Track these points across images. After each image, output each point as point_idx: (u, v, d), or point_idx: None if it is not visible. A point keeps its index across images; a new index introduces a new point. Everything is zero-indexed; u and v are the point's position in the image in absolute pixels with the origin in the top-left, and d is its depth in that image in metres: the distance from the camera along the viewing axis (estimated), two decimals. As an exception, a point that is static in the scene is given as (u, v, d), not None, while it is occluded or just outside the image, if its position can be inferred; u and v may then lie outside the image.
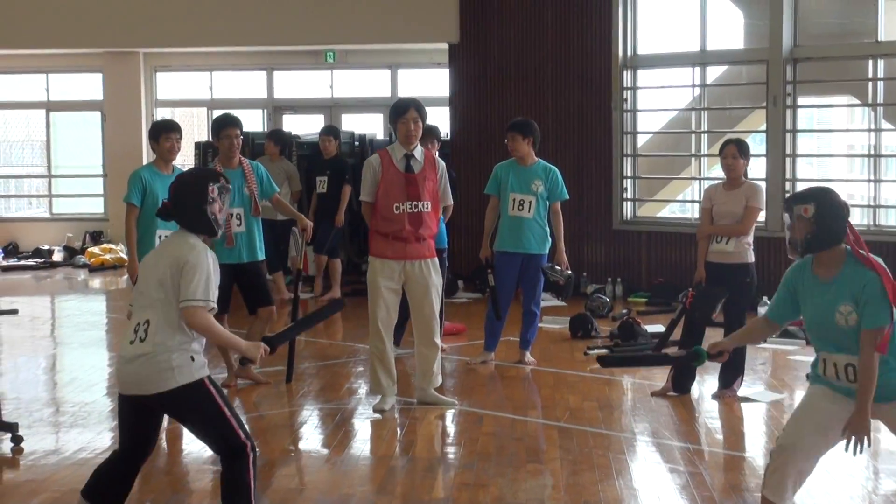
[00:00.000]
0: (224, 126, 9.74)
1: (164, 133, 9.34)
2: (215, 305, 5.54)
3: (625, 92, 15.55)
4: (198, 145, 18.25)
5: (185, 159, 20.16)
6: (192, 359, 5.49)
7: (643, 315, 13.39)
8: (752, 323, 6.31)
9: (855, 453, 5.38)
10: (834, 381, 5.52)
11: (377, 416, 8.89)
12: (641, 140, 16.12)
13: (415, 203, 8.87)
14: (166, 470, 7.60)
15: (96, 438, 8.22)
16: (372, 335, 9.06)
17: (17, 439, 7.91)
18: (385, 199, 8.86)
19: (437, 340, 9.17)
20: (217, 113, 11.03)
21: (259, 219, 9.78)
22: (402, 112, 8.88)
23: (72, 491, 6.88)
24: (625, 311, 12.79)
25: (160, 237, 9.19)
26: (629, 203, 15.72)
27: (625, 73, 15.54)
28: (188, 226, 5.65)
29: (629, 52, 15.56)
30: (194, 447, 8.13)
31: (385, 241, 8.91)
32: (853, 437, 5.36)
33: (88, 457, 7.72)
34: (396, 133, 8.99)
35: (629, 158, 15.69)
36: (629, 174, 15.69)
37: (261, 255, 9.80)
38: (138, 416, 5.61)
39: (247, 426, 5.66)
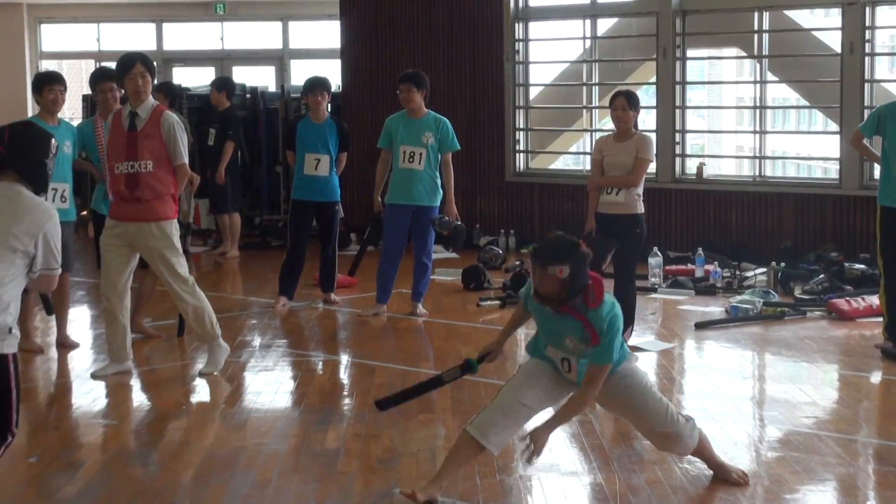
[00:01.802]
0: (99, 80, 9.59)
1: (47, 85, 9.21)
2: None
3: (517, 44, 15.57)
4: (85, 98, 17.96)
5: (73, 112, 19.87)
6: (10, 330, 5.19)
7: (535, 266, 13.46)
8: (515, 315, 6.36)
9: (529, 461, 5.78)
10: (557, 365, 5.89)
11: (269, 369, 8.87)
12: (534, 92, 16.17)
13: (131, 163, 8.36)
14: (55, 424, 7.51)
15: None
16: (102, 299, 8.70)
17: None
18: (109, 158, 8.51)
19: (189, 298, 8.61)
20: (105, 65, 10.84)
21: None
22: (129, 67, 8.38)
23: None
24: (517, 262, 12.86)
25: (49, 190, 9.05)
26: (522, 155, 15.78)
27: (517, 24, 15.56)
28: (27, 177, 5.32)
29: (521, 4, 15.58)
30: (84, 401, 8.06)
31: (113, 202, 8.54)
32: (532, 445, 5.68)
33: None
34: (126, 89, 8.52)
35: (521, 111, 15.74)
36: (522, 126, 15.74)
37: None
38: None
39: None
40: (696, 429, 6.08)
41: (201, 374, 8.65)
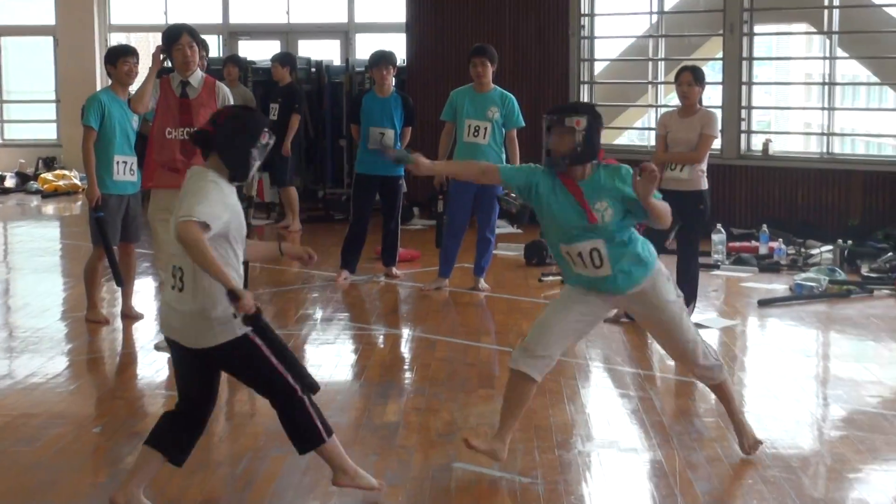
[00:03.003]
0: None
1: (122, 57, 9.29)
2: (211, 224, 4.99)
3: (582, 18, 15.49)
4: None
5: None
6: (235, 315, 5.08)
7: (599, 242, 13.42)
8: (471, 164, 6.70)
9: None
10: (582, 272, 5.91)
11: (330, 342, 8.91)
12: (599, 67, 16.08)
13: (187, 130, 8.28)
14: (119, 395, 7.59)
15: (48, 364, 8.19)
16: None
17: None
18: (159, 123, 8.47)
19: None
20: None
21: None
22: (176, 38, 8.38)
23: (22, 415, 6.92)
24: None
25: (118, 162, 9.17)
26: (586, 130, 15.66)
27: (582, -1, 15.48)
28: (227, 162, 5.26)
29: (587, -22, 15.50)
30: (147, 371, 8.15)
31: (161, 171, 8.43)
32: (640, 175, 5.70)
33: (39, 381, 7.71)
34: (172, 60, 8.49)
35: (586, 86, 15.67)
36: (586, 101, 15.64)
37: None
38: (183, 361, 5.33)
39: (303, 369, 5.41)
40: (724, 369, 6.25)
41: None
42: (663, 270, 6.05)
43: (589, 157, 5.81)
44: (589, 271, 5.87)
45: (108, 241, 9.16)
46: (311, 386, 5.39)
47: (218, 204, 5.08)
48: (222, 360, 5.24)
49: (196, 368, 5.29)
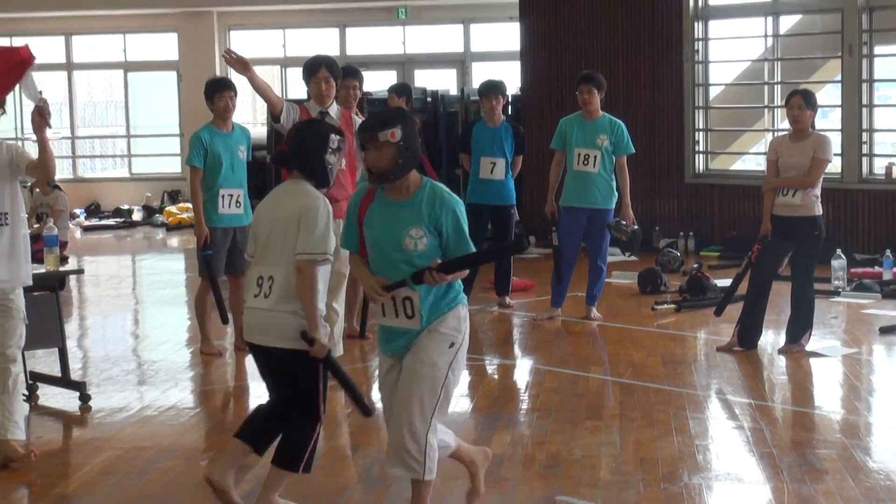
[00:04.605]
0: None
1: (218, 92, 9.42)
2: (330, 257, 5.54)
3: (696, 43, 15.35)
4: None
5: (256, 116, 20.36)
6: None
7: (715, 269, 13.26)
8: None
9: None
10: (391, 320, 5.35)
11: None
12: (713, 92, 15.92)
13: None
14: (229, 427, 7.65)
15: (161, 396, 8.32)
16: None
17: (84, 398, 8.03)
18: None
19: (337, 306, 8.70)
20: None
21: None
22: (314, 71, 8.61)
23: (134, 448, 7.03)
24: (696, 265, 12.65)
25: (223, 196, 9.30)
26: (701, 156, 15.55)
27: (696, 24, 15.34)
28: (306, 173, 5.69)
29: (700, 3, 15.36)
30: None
31: None
32: None
33: (153, 414, 7.84)
34: (310, 91, 8.75)
35: (701, 111, 15.52)
36: (701, 127, 15.52)
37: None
38: (264, 362, 5.72)
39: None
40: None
41: None
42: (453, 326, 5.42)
43: (412, 164, 5.30)
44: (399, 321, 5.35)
45: (214, 278, 9.27)
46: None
47: (329, 230, 5.52)
48: (281, 361, 5.55)
49: (268, 367, 5.69)
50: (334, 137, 5.69)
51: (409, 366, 5.29)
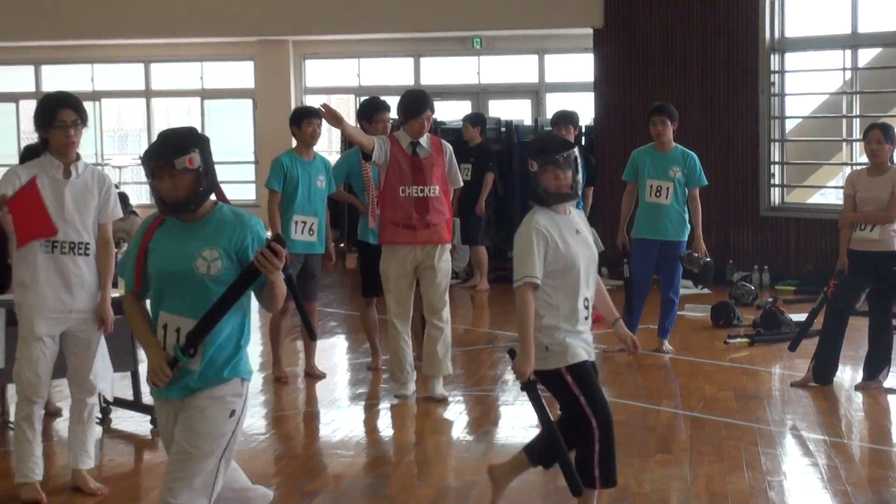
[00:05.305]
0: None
1: (307, 118, 9.52)
2: (537, 281, 5.73)
3: (772, 76, 15.23)
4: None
5: (331, 145, 20.47)
6: (546, 348, 5.75)
7: (790, 304, 13.08)
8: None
9: None
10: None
11: (509, 403, 8.87)
12: (790, 125, 15.79)
13: (420, 188, 8.68)
14: (296, 453, 7.69)
15: (231, 421, 8.33)
16: (389, 324, 8.90)
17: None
18: (391, 181, 8.67)
19: (441, 323, 8.85)
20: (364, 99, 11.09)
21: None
22: (418, 113, 8.64)
23: (203, 473, 7.02)
24: (770, 299, 12.50)
25: (297, 222, 9.35)
26: (777, 189, 15.41)
27: (772, 56, 15.22)
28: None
29: (777, 35, 15.24)
30: (326, 431, 8.23)
31: (394, 229, 8.69)
32: None
33: (222, 439, 7.85)
34: (405, 128, 8.75)
35: (777, 143, 15.38)
36: (777, 160, 15.38)
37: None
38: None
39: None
40: None
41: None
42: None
43: (212, 188, 4.82)
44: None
45: (297, 296, 9.27)
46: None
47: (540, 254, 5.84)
48: (542, 381, 5.80)
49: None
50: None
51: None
